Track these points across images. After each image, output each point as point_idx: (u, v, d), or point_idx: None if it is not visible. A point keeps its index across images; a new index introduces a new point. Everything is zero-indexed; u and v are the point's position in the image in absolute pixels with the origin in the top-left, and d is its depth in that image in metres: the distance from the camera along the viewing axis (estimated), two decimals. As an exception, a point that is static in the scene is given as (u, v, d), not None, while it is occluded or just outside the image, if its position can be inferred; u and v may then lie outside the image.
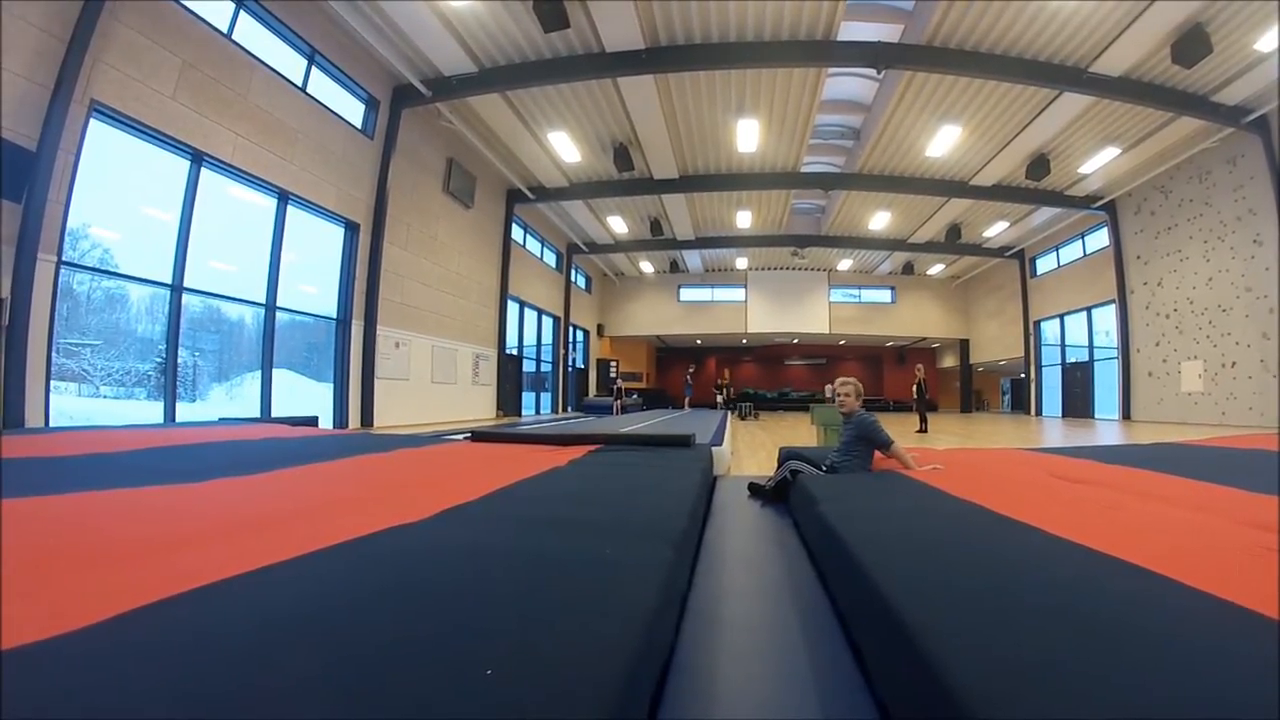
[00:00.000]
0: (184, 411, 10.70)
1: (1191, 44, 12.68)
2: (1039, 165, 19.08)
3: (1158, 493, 3.68)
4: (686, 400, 28.68)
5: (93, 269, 9.65)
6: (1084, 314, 25.85)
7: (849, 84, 18.82)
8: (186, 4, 10.21)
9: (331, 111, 13.67)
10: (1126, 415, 22.45)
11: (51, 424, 8.39)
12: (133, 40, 9.31)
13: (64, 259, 8.70)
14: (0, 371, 7.87)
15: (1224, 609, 1.62)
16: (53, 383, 8.65)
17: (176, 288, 10.42)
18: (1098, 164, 19.36)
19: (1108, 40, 13.24)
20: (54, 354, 8.65)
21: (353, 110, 14.56)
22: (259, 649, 1.25)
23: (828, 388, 4.69)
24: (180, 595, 1.53)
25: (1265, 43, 12.92)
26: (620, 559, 2.02)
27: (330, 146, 13.56)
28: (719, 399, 27.25)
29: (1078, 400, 25.96)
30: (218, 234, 11.28)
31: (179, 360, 10.67)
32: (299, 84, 12.74)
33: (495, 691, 1.10)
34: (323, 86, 13.52)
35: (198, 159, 10.65)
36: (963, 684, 1.22)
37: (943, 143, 18.20)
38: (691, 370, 29.83)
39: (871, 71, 14.60)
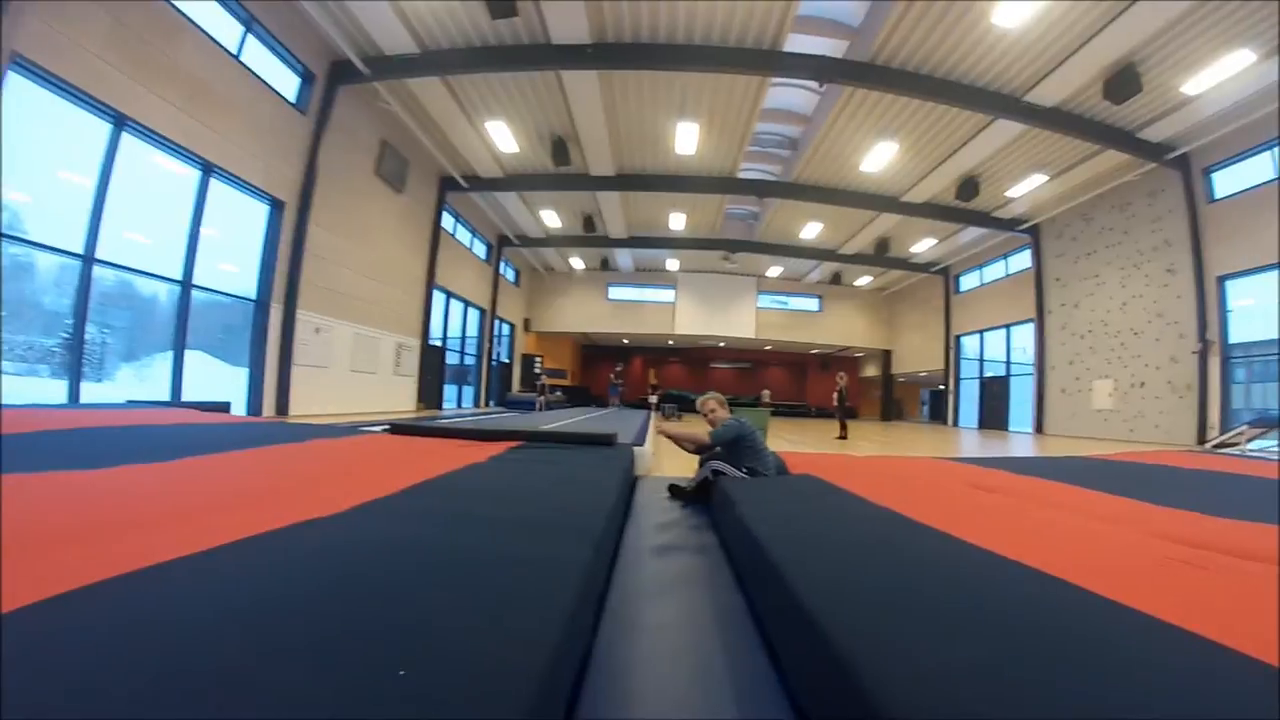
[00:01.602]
0: (89, 392, 10.12)
1: (1123, 82, 13.33)
2: (969, 186, 19.77)
3: (1067, 503, 3.89)
4: (614, 400, 27.92)
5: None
6: (1003, 331, 26.76)
7: (791, 94, 19.01)
8: None
9: (265, 83, 13.15)
10: (1039, 429, 23.31)
11: None
12: None
13: None
14: None
15: (1129, 616, 1.69)
16: None
17: (88, 258, 9.85)
18: (1025, 189, 20.10)
19: (1044, 72, 13.76)
20: None
21: (287, 83, 14.04)
22: (157, 650, 1.20)
23: (698, 400, 4.72)
24: (70, 593, 1.45)
25: (1193, 86, 13.65)
26: (538, 557, 2.01)
27: (261, 119, 13.05)
28: (653, 400, 27.18)
29: (993, 413, 26.85)
30: (135, 204, 10.67)
31: (87, 337, 10.08)
32: (234, 52, 12.22)
33: (409, 691, 1.08)
34: (258, 56, 12.98)
35: (120, 122, 10.10)
36: (874, 684, 1.25)
37: (878, 159, 18.56)
38: (619, 369, 28.93)
39: (814, 84, 14.82)
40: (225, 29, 12.02)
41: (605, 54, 13.85)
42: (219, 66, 11.84)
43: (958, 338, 30.07)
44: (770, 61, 13.88)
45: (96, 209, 9.88)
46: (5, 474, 2.87)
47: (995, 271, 27.60)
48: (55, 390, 9.64)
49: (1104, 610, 1.74)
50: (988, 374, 28.00)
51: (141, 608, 1.41)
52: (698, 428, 5.09)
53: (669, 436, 5.33)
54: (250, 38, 12.64)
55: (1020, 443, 17.69)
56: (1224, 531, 3.05)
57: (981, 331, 28.36)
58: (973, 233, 25.64)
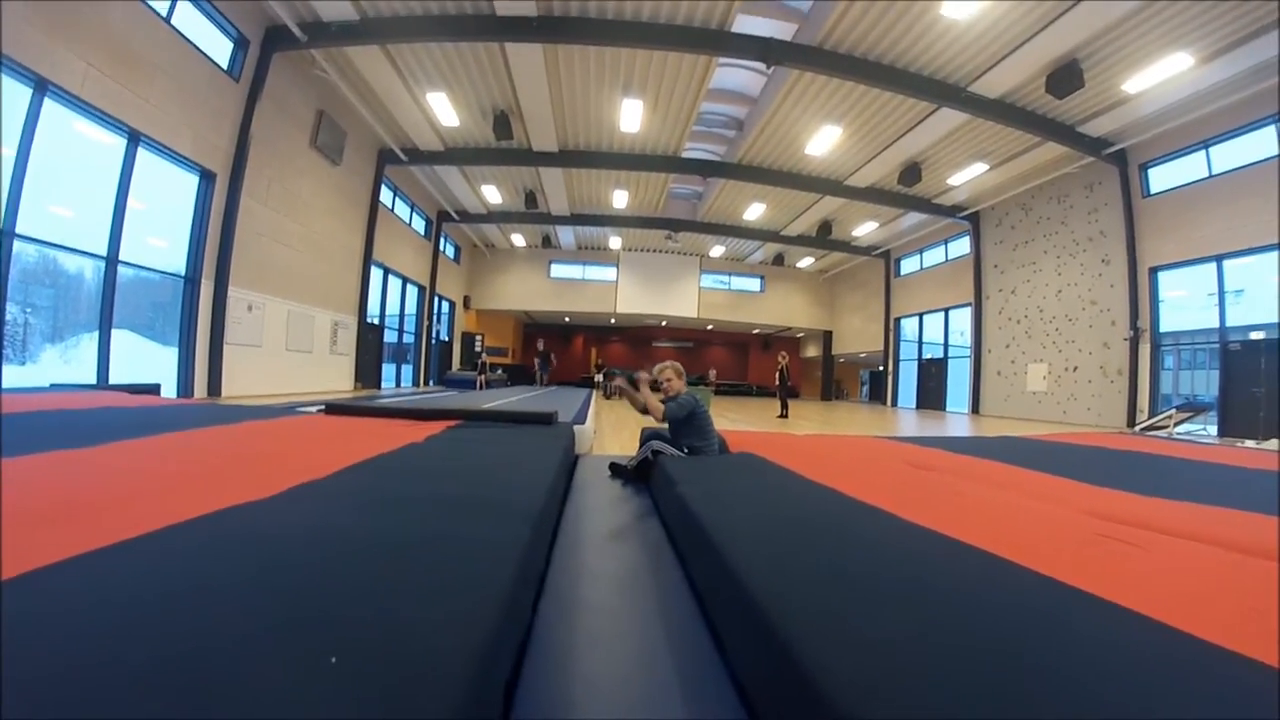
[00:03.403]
0: (11, 375, 9.70)
1: (1066, 77, 13.62)
2: (911, 172, 20.08)
3: (1002, 481, 4.02)
4: (542, 379, 26.54)
5: None
6: (941, 314, 27.40)
7: (737, 75, 18.98)
8: None
9: (196, 48, 12.62)
10: (975, 410, 23.98)
11: None
12: None
13: None
14: None
15: (1061, 590, 1.74)
16: None
17: (7, 233, 9.32)
18: (966, 177, 20.52)
19: (989, 64, 14.02)
20: None
21: (220, 49, 13.49)
22: (82, 642, 1.14)
23: (656, 368, 4.64)
24: None
25: (1133, 84, 14.06)
26: (475, 538, 1.98)
27: (191, 85, 12.53)
28: (598, 378, 27.04)
29: (931, 394, 27.51)
30: (58, 175, 10.19)
31: (7, 316, 9.62)
32: (163, 14, 11.72)
33: (342, 678, 1.05)
34: (189, 19, 12.45)
35: (41, 87, 9.60)
36: (814, 662, 1.25)
37: (822, 142, 18.66)
38: (541, 345, 26.98)
39: (761, 66, 14.80)
40: None
41: (550, 27, 13.66)
42: (147, 29, 11.36)
43: (897, 320, 30.64)
44: (718, 41, 13.87)
45: (17, 179, 9.37)
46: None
47: (935, 256, 28.17)
48: None
49: (1037, 584, 1.79)
50: (926, 356, 28.59)
51: (58, 600, 1.35)
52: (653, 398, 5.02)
53: (623, 393, 5.25)
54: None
55: (957, 423, 18.06)
56: (1152, 510, 3.13)
57: (920, 314, 28.94)
58: (914, 218, 26.09)
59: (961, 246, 26.01)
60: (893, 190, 22.58)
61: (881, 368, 32.46)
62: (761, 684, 1.50)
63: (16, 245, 9.54)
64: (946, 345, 27.07)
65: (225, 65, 13.64)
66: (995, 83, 14.63)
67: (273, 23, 14.14)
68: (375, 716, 0.96)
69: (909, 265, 30.17)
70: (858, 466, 4.29)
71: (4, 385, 9.12)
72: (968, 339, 25.10)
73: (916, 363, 29.12)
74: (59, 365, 10.68)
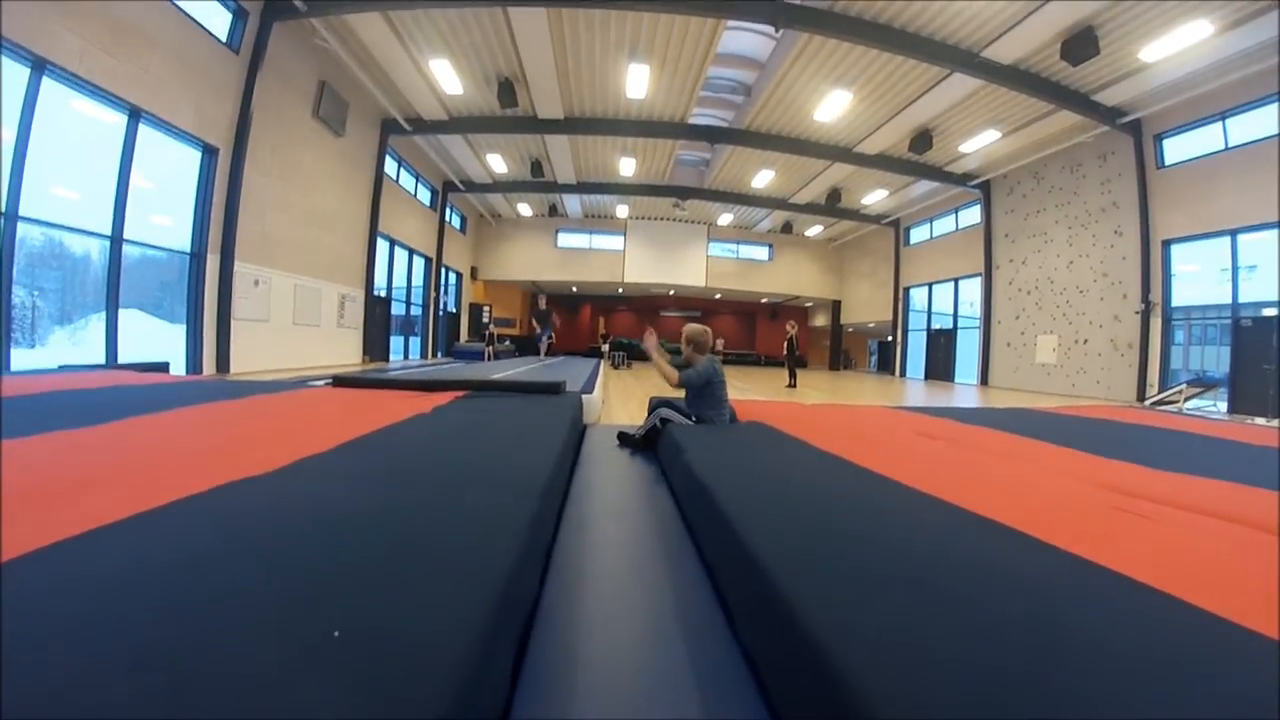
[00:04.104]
0: (20, 358, 9.66)
1: (1081, 44, 13.29)
2: (922, 140, 19.73)
3: (1011, 452, 4.04)
4: (542, 349, 24.79)
5: None
6: (951, 284, 27.04)
7: (746, 39, 18.62)
8: None
9: (194, 20, 12.42)
10: (984, 381, 23.80)
11: None
12: None
13: None
14: None
15: (1072, 561, 1.75)
16: None
17: (11, 216, 9.21)
18: (978, 145, 20.13)
19: (1003, 29, 13.69)
20: None
21: (219, 20, 13.29)
22: (84, 616, 1.16)
23: (686, 328, 4.59)
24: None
25: (1150, 53, 13.70)
26: (483, 508, 2.01)
27: (190, 59, 12.36)
28: (604, 348, 26.93)
29: (940, 364, 27.30)
30: (60, 155, 10.09)
31: (15, 300, 9.57)
32: None
33: (346, 652, 1.06)
34: None
35: (39, 66, 9.46)
36: (822, 631, 1.26)
37: (832, 108, 18.39)
38: (543, 303, 23.05)
39: (769, 29, 14.58)
40: None
41: (556, -10, 13.45)
42: (144, 3, 11.19)
43: (906, 289, 30.32)
44: (725, 4, 13.64)
45: (18, 161, 9.26)
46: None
47: (945, 225, 27.79)
48: None
49: (1049, 556, 1.79)
50: (935, 326, 28.34)
51: (66, 576, 1.36)
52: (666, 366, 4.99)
53: (654, 358, 5.17)
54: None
55: (965, 394, 18.09)
56: (1167, 484, 3.12)
57: (930, 284, 28.67)
58: (924, 186, 25.70)
59: (972, 215, 25.63)
60: (903, 158, 22.19)
61: (890, 337, 32.22)
62: (770, 654, 1.50)
63: (21, 228, 9.46)
64: (956, 315, 26.79)
65: (224, 37, 13.45)
66: (1009, 48, 14.31)
67: (272, -9, 13.92)
68: (375, 694, 0.96)
69: (919, 234, 29.82)
70: (866, 436, 4.31)
71: (13, 369, 9.07)
72: (977, 309, 24.87)
73: (925, 333, 28.90)
74: (68, 347, 10.65)
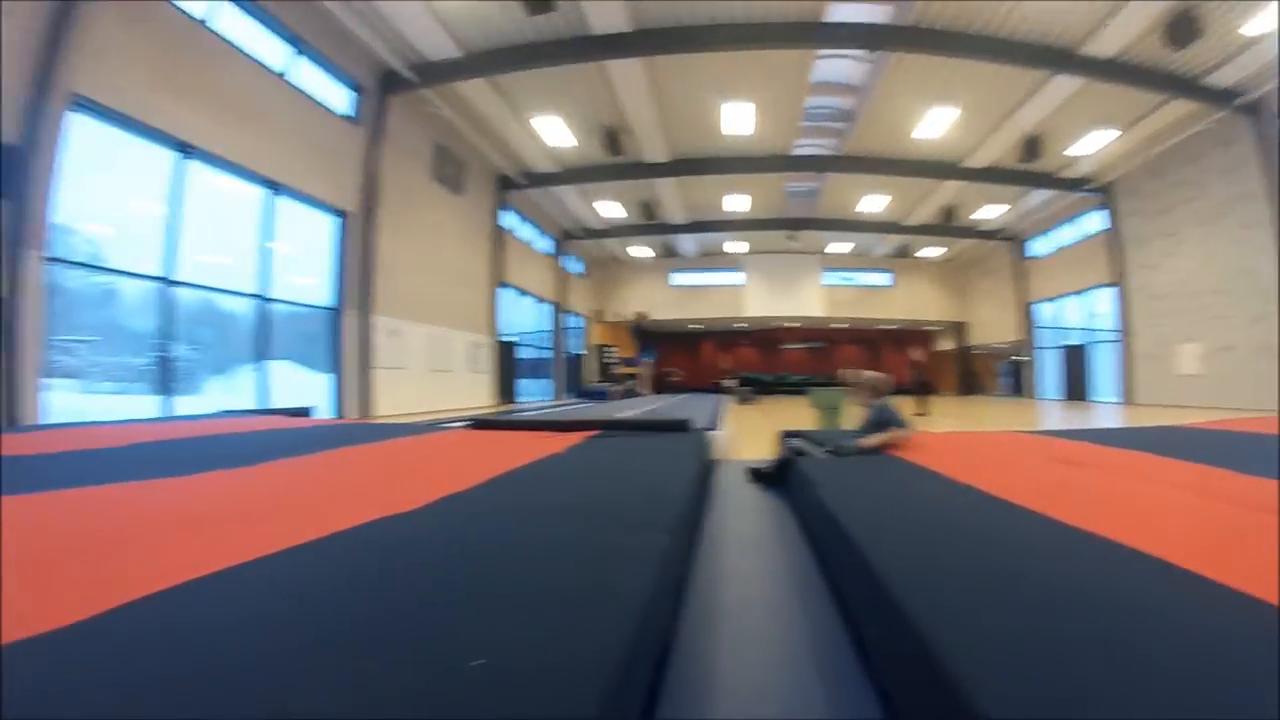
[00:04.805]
0: (182, 405, 10.57)
1: (1182, 27, 12.63)
2: (1032, 147, 19.01)
3: (1158, 476, 3.60)
4: (616, 392, 21.33)
5: (82, 264, 9.45)
6: (1080, 296, 25.68)
7: (840, 65, 18.45)
8: None
9: (317, 101, 13.55)
10: (1124, 398, 22.28)
11: (48, 421, 8.29)
12: (111, 32, 9.08)
13: (51, 255, 8.56)
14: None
15: (1226, 596, 1.59)
16: (52, 380, 8.62)
17: (168, 281, 10.34)
18: (1090, 146, 19.28)
19: (1099, 22, 13.13)
20: (48, 351, 8.58)
21: (340, 98, 14.45)
22: (246, 643, 1.25)
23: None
24: (170, 589, 1.52)
25: (1252, 27, 12.85)
26: (616, 545, 2.00)
27: (317, 135, 13.44)
28: (728, 383, 26.85)
29: (1076, 383, 25.77)
30: (209, 226, 11.21)
31: (175, 354, 10.63)
32: (283, 73, 12.63)
33: (488, 681, 1.09)
34: (309, 75, 13.39)
35: (185, 150, 10.53)
36: (960, 668, 1.19)
37: (934, 124, 18.10)
38: (642, 355, 19.42)
39: (861, 53, 14.48)
40: (274, 52, 12.44)
41: (645, 40, 13.84)
42: (272, 88, 12.29)
43: (1033, 306, 29.04)
44: (812, 34, 13.68)
45: (173, 233, 10.35)
46: (112, 484, 3.04)
47: (1067, 235, 26.49)
48: (149, 406, 10.14)
49: (1206, 592, 1.63)
50: (1067, 342, 26.84)
51: (226, 603, 1.49)
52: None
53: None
54: (300, 58, 13.04)
55: (1104, 413, 17.14)
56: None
57: (1057, 298, 27.30)
58: (1040, 195, 24.73)
59: (1095, 222, 24.25)
60: (1014, 168, 21.36)
61: (1020, 357, 30.91)
62: (902, 685, 1.50)
63: (179, 291, 10.56)
64: (1088, 330, 25.32)
65: (347, 112, 14.58)
66: (1109, 41, 13.60)
67: (385, 68, 14.87)
68: (516, 717, 1.01)
69: (1040, 246, 28.59)
70: (999, 463, 4.12)
71: (176, 413, 9.96)
72: (1110, 322, 23.41)
73: (1058, 350, 27.47)
74: (223, 395, 11.66)
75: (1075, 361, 26.06)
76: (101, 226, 9.90)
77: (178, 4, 10.27)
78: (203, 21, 10.80)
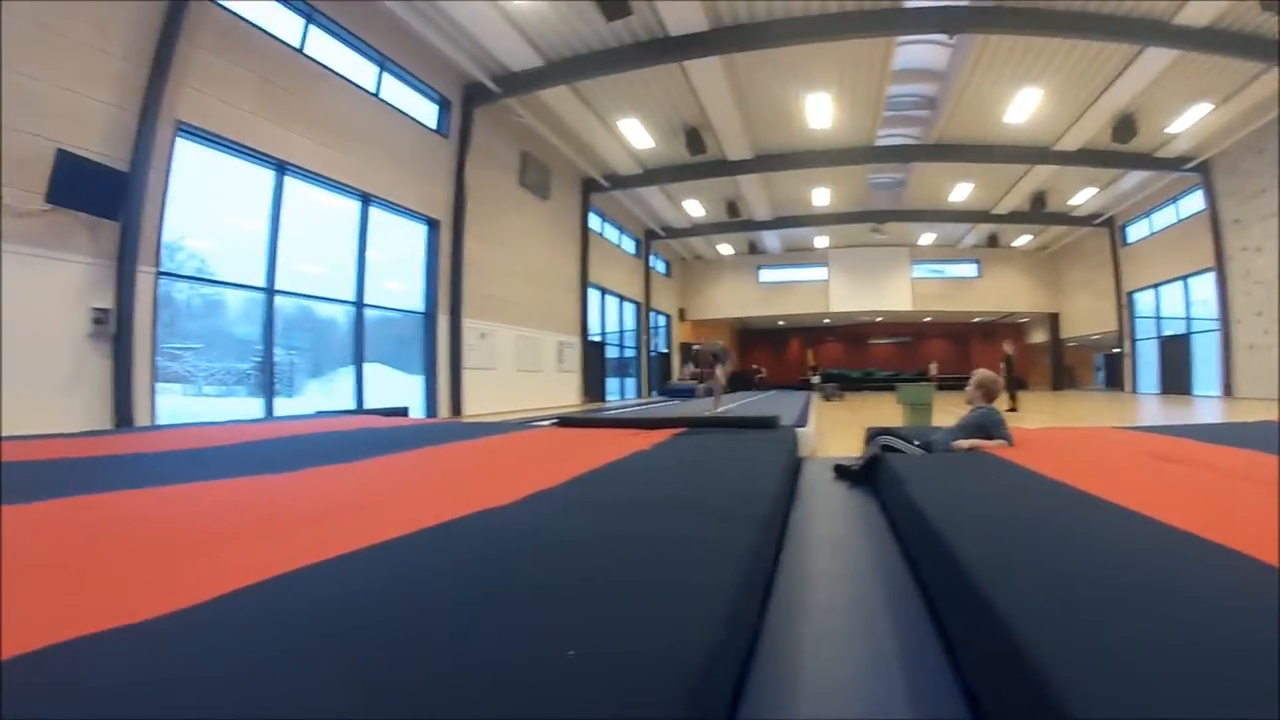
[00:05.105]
0: (281, 406, 11.16)
1: None
2: (1125, 126, 18.09)
3: (1264, 476, 3.44)
4: (700, 390, 19.63)
5: (189, 277, 10.20)
6: (1180, 283, 24.11)
7: (921, 51, 18.02)
8: (259, 23, 10.64)
9: (405, 114, 14.06)
10: (1228, 391, 20.86)
11: (157, 423, 8.87)
12: (210, 62, 9.70)
13: (162, 270, 9.24)
14: (111, 375, 8.39)
15: None
16: (159, 384, 9.22)
17: (269, 290, 10.93)
18: (1187, 123, 18.12)
19: None
20: (158, 358, 9.20)
21: (426, 112, 14.93)
22: (347, 630, 1.31)
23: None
24: (275, 578, 1.61)
25: None
26: (704, 541, 2.02)
27: (407, 148, 13.94)
28: (814, 379, 26.68)
29: (1175, 376, 24.18)
30: (306, 238, 11.82)
31: (275, 358, 11.23)
32: (372, 90, 13.16)
33: (575, 677, 1.11)
34: (395, 91, 13.90)
35: (281, 168, 11.11)
36: (1055, 673, 1.14)
37: (1022, 107, 17.46)
38: (697, 348, 17.49)
39: (943, 37, 14.14)
40: (362, 71, 12.97)
41: (723, 38, 13.80)
42: (362, 105, 12.81)
43: (1130, 294, 27.52)
44: (891, 20, 13.42)
45: (272, 245, 10.96)
46: (219, 480, 3.23)
47: (1165, 218, 24.99)
48: (253, 407, 10.79)
49: None
50: (1166, 333, 25.36)
51: (332, 592, 1.55)
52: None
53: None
54: (386, 75, 13.54)
55: (1206, 408, 16.23)
56: None
57: (1156, 285, 25.76)
58: (1135, 177, 23.52)
59: (1194, 202, 22.77)
60: (1107, 149, 20.32)
61: (1116, 349, 29.52)
62: (994, 692, 1.46)
63: (278, 300, 11.15)
64: (1189, 319, 23.82)
65: (434, 125, 15.10)
66: (1201, 9, 12.69)
67: (468, 81, 15.35)
68: (606, 711, 1.02)
69: (1136, 231, 27.18)
70: (1097, 461, 3.97)
71: (278, 414, 10.57)
72: (1212, 310, 21.88)
73: (1156, 341, 26.05)
74: (320, 396, 12.30)
75: (1174, 353, 24.58)
76: (206, 242, 10.58)
77: (270, 31, 10.84)
78: (297, 48, 11.39)
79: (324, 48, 12.03)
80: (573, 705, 1.02)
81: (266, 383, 10.98)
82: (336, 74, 12.22)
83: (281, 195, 11.17)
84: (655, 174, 22.26)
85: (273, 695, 1.04)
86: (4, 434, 5.46)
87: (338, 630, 1.30)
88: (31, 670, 1.11)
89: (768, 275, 36.31)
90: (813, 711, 1.54)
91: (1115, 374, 30.42)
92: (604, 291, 24.91)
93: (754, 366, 39.48)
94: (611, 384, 25.70)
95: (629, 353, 28.43)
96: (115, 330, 8.35)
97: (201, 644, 1.25)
